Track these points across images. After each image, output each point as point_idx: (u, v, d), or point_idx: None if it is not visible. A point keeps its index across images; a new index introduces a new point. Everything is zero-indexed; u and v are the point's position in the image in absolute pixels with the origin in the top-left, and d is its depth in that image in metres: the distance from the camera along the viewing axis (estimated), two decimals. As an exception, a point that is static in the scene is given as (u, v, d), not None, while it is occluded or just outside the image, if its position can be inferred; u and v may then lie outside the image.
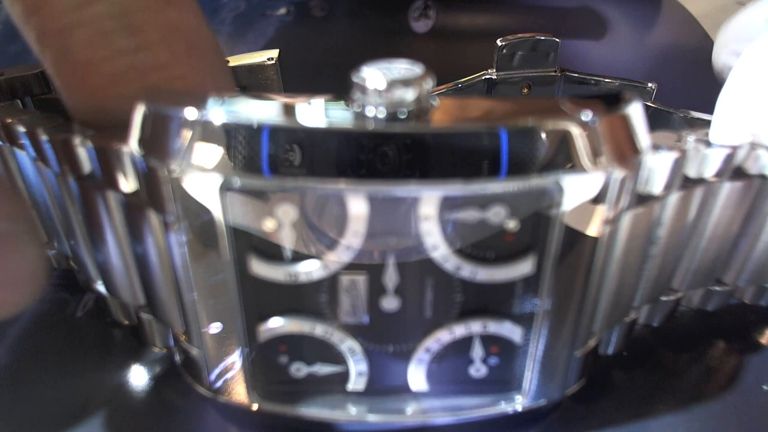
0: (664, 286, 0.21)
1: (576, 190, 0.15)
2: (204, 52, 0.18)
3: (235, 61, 0.32)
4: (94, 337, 0.23)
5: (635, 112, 0.15)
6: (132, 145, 0.16)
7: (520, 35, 0.34)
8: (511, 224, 0.16)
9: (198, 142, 0.15)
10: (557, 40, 0.34)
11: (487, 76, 0.34)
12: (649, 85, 0.33)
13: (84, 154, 0.17)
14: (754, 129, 0.20)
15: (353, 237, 0.16)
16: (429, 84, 0.15)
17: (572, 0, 0.57)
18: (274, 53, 0.34)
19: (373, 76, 0.15)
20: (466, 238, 0.16)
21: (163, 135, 0.15)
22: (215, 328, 0.17)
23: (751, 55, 0.21)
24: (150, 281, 0.18)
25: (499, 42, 0.33)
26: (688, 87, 0.45)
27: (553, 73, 0.34)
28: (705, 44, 0.50)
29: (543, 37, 0.34)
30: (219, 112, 0.14)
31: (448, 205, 0.16)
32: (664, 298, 0.22)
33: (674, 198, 0.18)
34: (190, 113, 0.14)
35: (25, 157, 0.20)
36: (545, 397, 0.19)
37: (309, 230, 0.16)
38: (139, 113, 0.15)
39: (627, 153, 0.15)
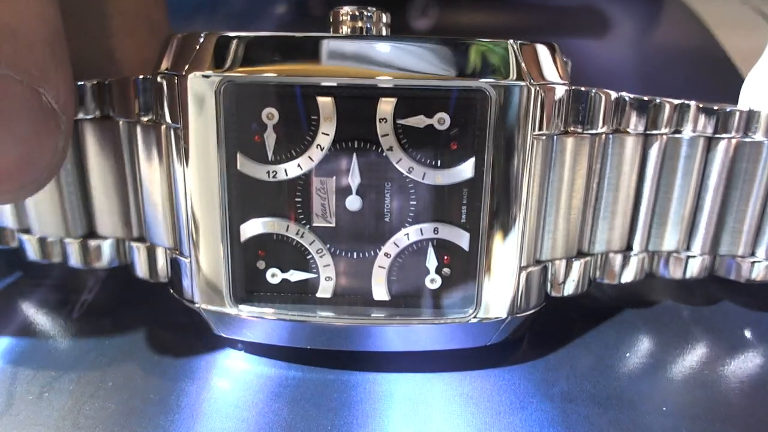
0: (622, 240, 0.25)
1: (504, 98, 0.20)
2: None
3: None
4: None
5: (543, 50, 0.21)
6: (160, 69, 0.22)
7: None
8: (453, 130, 0.21)
9: (204, 53, 0.21)
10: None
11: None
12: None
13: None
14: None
15: (323, 137, 0.21)
16: (384, 17, 0.22)
17: (573, -1, 0.63)
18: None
19: (345, 9, 0.22)
20: (416, 142, 0.21)
21: (181, 52, 0.21)
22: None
23: None
24: (151, 202, 0.23)
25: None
26: (689, 85, 0.50)
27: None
28: (708, 42, 0.55)
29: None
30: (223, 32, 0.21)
31: (400, 109, 0.21)
32: (631, 254, 0.25)
33: (612, 141, 0.23)
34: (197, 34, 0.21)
35: None
36: (496, 313, 0.23)
37: (288, 132, 0.22)
38: (168, 44, 0.22)
39: (542, 74, 0.21)
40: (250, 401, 0.22)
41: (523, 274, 0.23)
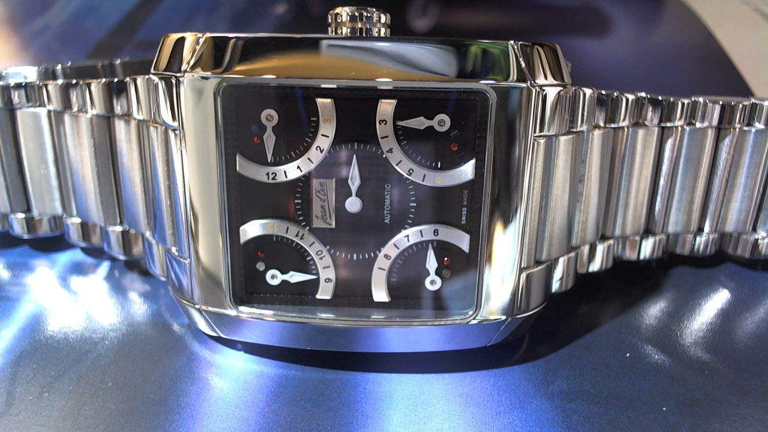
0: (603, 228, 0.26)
1: (504, 99, 0.20)
2: None
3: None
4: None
5: (544, 51, 0.21)
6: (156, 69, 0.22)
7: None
8: (453, 132, 0.21)
9: (202, 54, 0.21)
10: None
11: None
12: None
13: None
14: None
15: (323, 138, 0.21)
16: (383, 17, 0.22)
17: (574, -2, 0.63)
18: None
19: (345, 9, 0.22)
20: (416, 143, 0.22)
21: (178, 53, 0.21)
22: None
23: None
24: (153, 201, 0.24)
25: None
26: (691, 83, 0.50)
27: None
28: (708, 41, 0.55)
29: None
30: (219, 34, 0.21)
31: (400, 111, 0.21)
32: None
33: (596, 135, 0.24)
34: (195, 35, 0.21)
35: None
36: (496, 314, 0.23)
37: (287, 133, 0.22)
38: (164, 44, 0.22)
39: (542, 75, 0.21)
40: (250, 401, 0.22)
41: (523, 276, 0.23)
